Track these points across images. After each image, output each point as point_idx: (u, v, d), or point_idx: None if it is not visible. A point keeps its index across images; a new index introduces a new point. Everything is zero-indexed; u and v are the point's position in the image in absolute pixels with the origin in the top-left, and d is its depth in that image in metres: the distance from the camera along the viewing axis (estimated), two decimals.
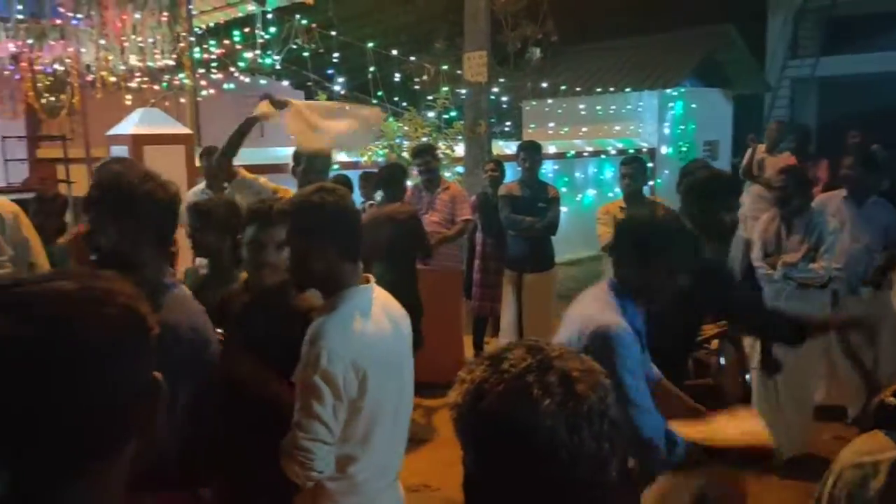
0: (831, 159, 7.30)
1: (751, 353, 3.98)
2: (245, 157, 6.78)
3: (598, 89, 12.78)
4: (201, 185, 5.36)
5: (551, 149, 10.61)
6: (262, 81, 11.33)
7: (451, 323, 5.59)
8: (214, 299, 2.58)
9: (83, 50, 7.44)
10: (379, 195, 6.14)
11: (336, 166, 6.97)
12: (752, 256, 4.42)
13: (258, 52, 8.23)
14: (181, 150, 6.63)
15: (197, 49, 7.51)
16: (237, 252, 2.81)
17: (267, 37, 8.10)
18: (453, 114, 9.27)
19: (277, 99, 3.73)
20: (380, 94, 8.70)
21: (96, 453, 0.88)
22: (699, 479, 2.36)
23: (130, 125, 6.67)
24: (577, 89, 12.83)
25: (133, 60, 7.37)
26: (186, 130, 6.96)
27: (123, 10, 6.54)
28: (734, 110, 14.13)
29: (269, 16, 8.02)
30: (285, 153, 7.76)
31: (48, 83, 8.44)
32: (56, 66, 8.14)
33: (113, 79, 7.75)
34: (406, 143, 8.29)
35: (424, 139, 8.11)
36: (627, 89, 12.68)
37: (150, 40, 6.92)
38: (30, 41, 7.37)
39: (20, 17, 6.92)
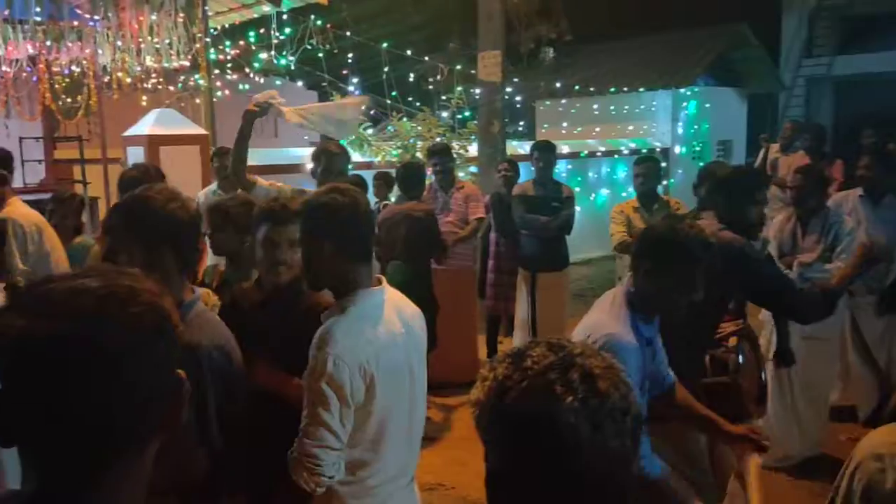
0: (846, 159, 7.26)
1: (766, 349, 3.97)
2: (260, 157, 6.86)
3: (612, 89, 12.74)
4: (213, 185, 5.40)
5: (565, 148, 10.59)
6: (277, 82, 11.38)
7: (465, 322, 5.61)
8: (235, 294, 2.62)
9: (100, 51, 7.50)
10: (394, 196, 6.17)
11: (350, 166, 7.00)
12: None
13: (273, 52, 8.27)
14: (196, 150, 6.67)
15: (212, 50, 7.56)
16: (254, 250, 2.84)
17: (282, 37, 8.12)
18: (467, 114, 9.27)
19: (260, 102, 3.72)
20: (394, 94, 8.71)
21: (121, 450, 0.90)
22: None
23: (146, 126, 6.72)
24: (591, 89, 12.80)
25: (149, 61, 7.42)
26: (202, 131, 7.01)
27: (140, 11, 6.58)
28: (748, 109, 14.05)
29: (284, 16, 8.05)
30: (300, 154, 7.83)
31: (65, 85, 8.52)
32: (73, 67, 8.22)
33: (129, 80, 7.80)
34: (420, 143, 8.30)
35: (438, 139, 8.12)
36: (641, 89, 12.64)
37: (166, 41, 6.96)
38: (48, 43, 7.44)
39: (38, 19, 6.99)
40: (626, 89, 12.69)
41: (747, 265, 2.82)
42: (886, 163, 4.69)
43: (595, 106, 13.00)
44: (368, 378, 1.89)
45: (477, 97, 8.60)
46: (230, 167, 3.90)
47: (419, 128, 8.54)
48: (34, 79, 8.30)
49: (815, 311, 2.98)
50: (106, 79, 7.89)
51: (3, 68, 7.82)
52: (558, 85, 12.73)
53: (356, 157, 7.94)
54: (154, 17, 6.69)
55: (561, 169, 10.24)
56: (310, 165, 4.14)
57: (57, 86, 8.30)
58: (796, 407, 4.23)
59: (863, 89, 14.33)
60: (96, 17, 6.78)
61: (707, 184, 3.72)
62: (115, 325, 0.87)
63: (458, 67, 9.28)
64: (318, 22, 8.15)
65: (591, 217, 9.75)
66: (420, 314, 2.17)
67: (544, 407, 0.93)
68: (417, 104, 9.37)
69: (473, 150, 8.75)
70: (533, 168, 5.72)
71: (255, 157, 6.38)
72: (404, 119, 8.70)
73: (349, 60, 9.08)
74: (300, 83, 10.99)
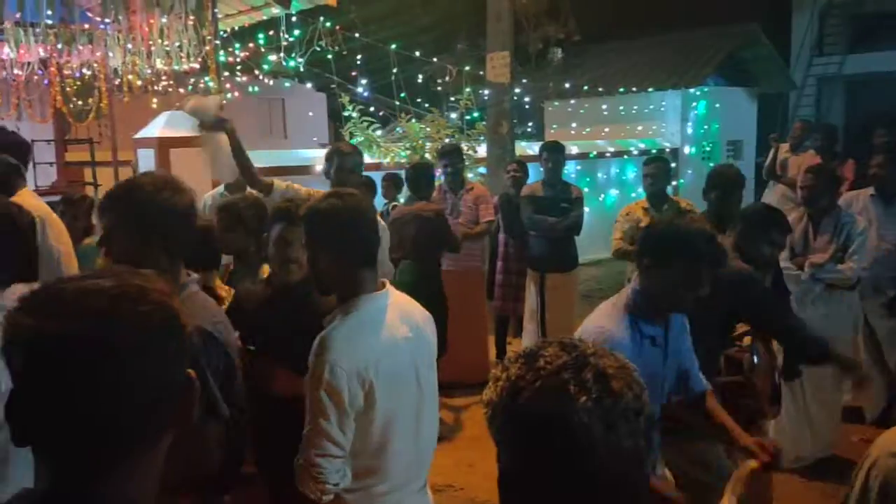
0: (858, 159, 7.21)
1: (778, 353, 3.95)
2: (270, 159, 6.88)
3: (621, 89, 12.71)
4: (220, 188, 5.42)
5: (574, 149, 10.58)
6: (286, 84, 11.43)
7: (474, 323, 5.60)
8: (239, 294, 2.65)
9: (111, 54, 7.55)
10: (403, 197, 6.17)
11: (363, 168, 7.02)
12: (780, 256, 4.39)
13: (282, 54, 8.29)
14: None
15: (222, 52, 7.59)
16: (262, 250, 2.87)
17: (291, 39, 8.15)
18: (476, 115, 9.27)
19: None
20: (402, 95, 8.72)
21: (131, 447, 0.91)
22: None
23: (156, 128, 6.76)
24: (600, 89, 12.77)
25: (159, 64, 7.45)
26: None
27: (150, 14, 6.61)
28: (758, 109, 13.97)
29: (294, 19, 8.07)
30: (310, 155, 7.85)
31: (76, 87, 8.58)
32: (84, 70, 8.28)
33: (139, 82, 7.85)
34: (429, 145, 8.31)
35: (447, 140, 8.13)
36: (650, 89, 12.60)
37: (177, 44, 6.99)
38: (59, 46, 7.49)
39: (49, 22, 7.03)
40: (635, 89, 12.65)
41: (747, 295, 2.84)
42: None
43: (604, 106, 12.96)
44: (367, 384, 1.88)
45: (485, 98, 8.60)
46: (243, 178, 3.87)
47: (428, 129, 8.55)
48: (45, 82, 8.37)
49: (814, 348, 2.97)
50: (117, 81, 7.93)
51: (15, 71, 7.88)
52: (567, 85, 12.71)
53: (365, 158, 7.94)
54: (164, 20, 6.71)
55: (570, 170, 10.21)
56: (319, 167, 4.16)
57: (68, 88, 8.36)
58: (808, 408, 4.20)
59: (874, 88, 14.23)
60: (107, 20, 6.82)
61: (718, 189, 3.74)
62: (125, 324, 0.88)
63: (467, 68, 9.29)
64: (327, 24, 8.18)
65: (601, 218, 9.73)
66: (430, 318, 2.16)
67: (558, 407, 0.93)
68: (426, 105, 9.37)
69: (482, 151, 8.75)
70: (542, 169, 5.71)
71: (264, 158, 6.42)
72: (413, 120, 8.70)
73: (358, 62, 9.10)
74: (309, 85, 11.03)
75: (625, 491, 0.96)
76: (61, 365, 0.85)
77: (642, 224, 4.92)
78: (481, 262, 6.00)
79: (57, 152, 10.02)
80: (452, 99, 9.51)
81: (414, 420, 2.02)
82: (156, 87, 7.98)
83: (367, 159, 7.99)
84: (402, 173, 6.10)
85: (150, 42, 7.03)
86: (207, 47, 6.96)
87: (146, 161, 6.59)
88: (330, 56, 8.31)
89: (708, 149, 12.92)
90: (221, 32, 7.84)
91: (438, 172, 5.91)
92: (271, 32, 8.43)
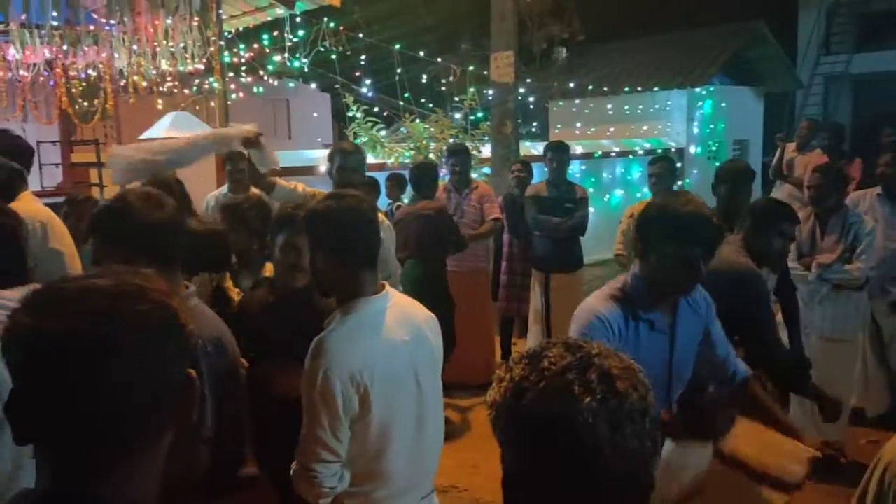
0: (865, 158, 7.18)
1: None
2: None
3: (626, 88, 12.68)
4: (223, 188, 5.43)
5: (578, 149, 10.55)
6: (291, 84, 11.44)
7: (479, 323, 5.59)
8: (243, 300, 2.65)
9: (116, 55, 7.57)
10: (406, 197, 6.17)
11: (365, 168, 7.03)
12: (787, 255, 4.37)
13: (286, 55, 8.30)
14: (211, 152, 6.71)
15: (226, 53, 7.60)
16: (264, 251, 2.88)
17: (295, 40, 8.16)
18: (480, 115, 9.26)
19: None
20: (406, 95, 8.73)
21: (131, 446, 0.91)
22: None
23: (162, 129, 6.78)
24: (605, 89, 12.75)
25: (164, 65, 7.48)
26: None
27: (155, 15, 6.63)
28: (765, 109, 13.93)
29: (298, 19, 8.08)
30: (314, 155, 7.86)
31: (82, 88, 8.61)
32: (89, 71, 8.30)
33: (144, 83, 7.88)
34: (433, 145, 8.31)
35: (451, 140, 8.12)
36: (655, 88, 12.57)
37: (181, 45, 7.01)
38: (64, 47, 7.52)
39: (55, 23, 7.05)
40: (640, 89, 12.62)
41: (745, 293, 2.80)
42: None
43: (609, 106, 12.94)
44: (361, 389, 1.85)
45: (490, 98, 8.59)
46: (250, 177, 3.92)
47: (432, 129, 8.54)
48: (51, 83, 8.40)
49: (783, 370, 2.91)
50: (122, 82, 7.97)
51: (21, 72, 7.91)
52: (571, 85, 12.69)
53: (369, 158, 7.94)
54: (169, 21, 6.73)
55: (575, 169, 10.20)
56: (323, 167, 4.16)
57: (74, 90, 8.40)
58: (815, 410, 4.17)
59: (881, 87, 14.16)
60: (112, 22, 6.84)
61: (726, 186, 3.69)
62: (124, 322, 0.88)
63: (471, 68, 9.27)
64: (331, 24, 8.18)
65: (606, 218, 9.70)
66: (434, 319, 2.13)
67: (562, 408, 0.92)
68: (430, 105, 9.38)
69: (486, 151, 8.74)
70: (546, 169, 5.70)
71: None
72: (417, 120, 8.70)
73: (362, 62, 9.10)
74: (313, 85, 11.03)
75: (630, 492, 0.95)
76: (60, 363, 0.85)
77: None
78: (486, 262, 6.00)
79: (62, 153, 10.06)
80: (456, 99, 9.49)
81: (414, 425, 2.00)
82: (161, 88, 8.01)
83: (371, 159, 8.02)
84: (406, 173, 6.09)
85: (155, 43, 7.05)
86: (212, 48, 6.97)
87: None
88: (334, 56, 8.31)
89: (714, 148, 12.88)
90: (226, 33, 7.84)
91: (443, 172, 5.90)
92: (275, 33, 8.44)
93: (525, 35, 13.34)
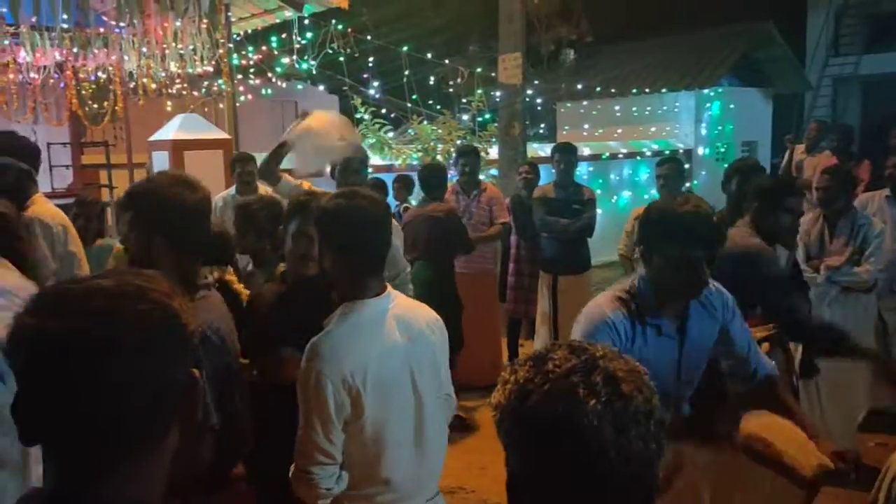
0: (874, 160, 7.14)
1: (795, 352, 3.91)
2: (283, 160, 6.88)
3: (634, 90, 12.65)
4: (231, 190, 5.44)
5: (586, 151, 10.54)
6: (299, 86, 11.47)
7: (487, 325, 5.59)
8: (252, 295, 2.66)
9: (126, 58, 7.61)
10: (414, 199, 6.18)
11: (369, 170, 7.06)
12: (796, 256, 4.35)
13: (295, 57, 8.34)
14: (220, 154, 6.75)
15: (235, 55, 7.64)
16: (278, 249, 2.89)
17: (303, 42, 8.19)
18: (487, 116, 9.27)
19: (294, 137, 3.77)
20: (414, 97, 8.74)
21: (134, 446, 0.91)
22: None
23: (171, 131, 6.81)
24: (612, 90, 12.72)
25: (173, 67, 7.51)
26: (225, 135, 7.08)
27: (165, 17, 6.66)
28: (773, 110, 13.87)
29: (306, 21, 8.11)
30: None
31: (92, 91, 8.65)
32: (99, 73, 8.35)
33: (154, 86, 7.91)
34: (441, 146, 8.32)
35: (459, 142, 8.13)
36: (663, 90, 12.55)
37: (190, 47, 7.04)
38: (74, 50, 7.56)
39: (65, 26, 7.10)
40: (647, 90, 12.59)
41: (754, 271, 2.79)
42: None
43: (617, 107, 12.91)
44: (353, 392, 1.84)
45: (497, 99, 8.60)
46: (261, 166, 3.95)
47: (439, 131, 8.56)
48: (61, 85, 8.45)
49: (820, 338, 2.87)
50: (132, 84, 8.00)
51: (31, 75, 7.96)
52: (579, 86, 12.67)
53: (376, 160, 7.97)
54: (178, 24, 6.76)
55: (582, 171, 10.18)
56: (328, 168, 4.18)
57: (84, 92, 8.44)
58: (824, 412, 4.15)
59: (891, 88, 14.07)
60: (122, 24, 6.87)
61: (736, 179, 3.67)
62: (124, 322, 0.89)
63: (479, 70, 9.30)
64: (339, 26, 8.21)
65: (613, 220, 9.68)
66: (439, 321, 2.11)
67: (567, 410, 0.92)
68: (438, 107, 9.39)
69: (494, 152, 8.75)
70: (554, 170, 5.70)
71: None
72: (425, 122, 8.71)
73: (370, 64, 9.14)
74: (322, 87, 11.07)
75: (635, 494, 0.95)
76: (60, 363, 0.86)
77: None
78: (493, 264, 5.99)
79: (73, 155, 10.11)
80: (464, 100, 9.51)
81: (412, 428, 1.98)
82: (170, 90, 8.05)
83: (378, 161, 8.05)
84: (414, 175, 6.10)
85: (165, 45, 7.09)
86: (221, 50, 7.01)
87: (161, 163, 6.64)
88: (342, 58, 8.35)
89: (722, 150, 12.83)
90: (235, 35, 7.89)
91: (452, 172, 5.90)
92: (284, 35, 8.48)
93: (533, 37, 13.33)
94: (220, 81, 7.54)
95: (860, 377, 4.42)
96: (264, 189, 4.95)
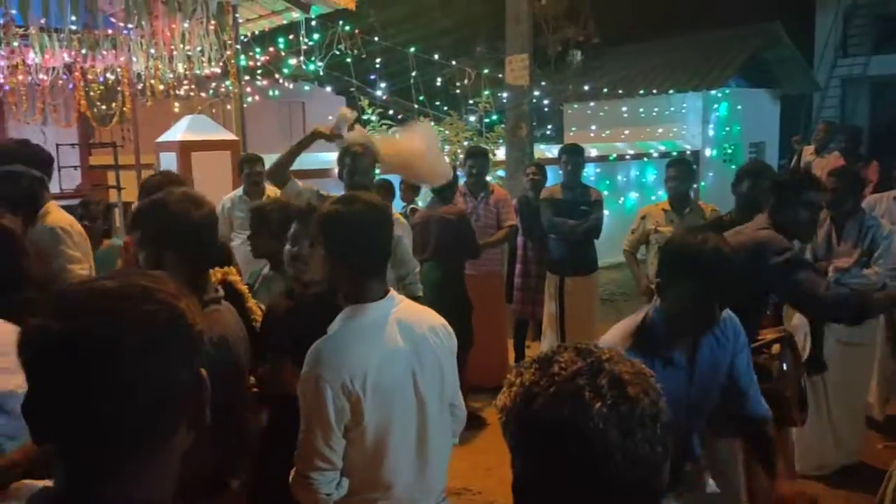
0: (882, 161, 7.11)
1: (803, 351, 3.89)
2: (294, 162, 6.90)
3: (641, 91, 12.62)
4: (238, 191, 5.46)
5: (593, 152, 10.53)
6: (306, 87, 11.49)
7: (494, 326, 5.59)
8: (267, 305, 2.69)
9: (134, 59, 7.64)
10: (421, 200, 6.18)
11: (376, 171, 7.07)
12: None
13: (302, 58, 8.35)
14: (227, 155, 6.76)
15: (243, 56, 7.66)
16: None
17: (310, 43, 8.20)
18: (494, 117, 9.27)
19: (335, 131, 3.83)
20: (421, 98, 8.75)
21: (138, 448, 0.91)
22: None
23: (179, 132, 6.83)
24: (619, 91, 12.70)
25: (181, 69, 7.53)
26: (232, 137, 7.10)
27: (172, 19, 6.68)
28: (781, 111, 13.81)
29: (313, 23, 8.13)
30: (329, 158, 7.88)
31: (100, 92, 8.68)
32: (107, 75, 8.38)
33: (162, 87, 7.93)
34: (448, 148, 8.31)
35: (466, 143, 8.13)
36: (671, 91, 12.51)
37: (198, 49, 7.06)
38: (83, 51, 7.59)
39: (73, 27, 7.13)
40: (655, 91, 12.56)
41: (766, 259, 2.76)
42: None
43: (624, 108, 12.89)
44: (353, 397, 1.83)
45: (504, 101, 8.59)
46: (273, 165, 3.97)
47: (447, 132, 8.55)
48: (70, 86, 8.48)
49: (842, 310, 2.82)
50: (140, 86, 8.02)
51: (40, 76, 7.99)
52: (586, 88, 12.65)
53: None
54: (186, 25, 6.79)
55: (589, 172, 10.18)
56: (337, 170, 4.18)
57: (92, 93, 8.47)
58: (831, 414, 4.14)
59: None
60: (130, 26, 6.90)
61: (749, 178, 3.65)
62: (129, 322, 0.89)
63: (486, 71, 9.29)
64: (346, 27, 8.22)
65: (620, 221, 9.67)
66: (445, 325, 2.09)
67: (572, 413, 0.92)
68: (445, 108, 9.39)
69: (501, 153, 8.74)
70: (561, 171, 5.69)
71: None
72: (432, 123, 8.70)
73: (377, 65, 9.15)
74: (329, 88, 11.08)
75: (641, 497, 0.95)
76: (65, 364, 0.86)
77: (658, 228, 4.89)
78: (501, 265, 5.99)
79: (81, 156, 10.16)
80: (471, 102, 9.52)
81: (414, 433, 1.96)
82: (178, 92, 8.06)
83: None
84: None
85: (173, 47, 7.10)
86: (228, 52, 7.03)
87: (168, 164, 6.66)
88: (349, 59, 8.35)
89: (729, 151, 12.79)
90: (242, 37, 7.91)
91: (459, 173, 5.89)
92: (291, 36, 8.49)
93: (540, 38, 13.30)
94: (227, 83, 7.56)
95: (868, 378, 4.40)
96: (272, 190, 4.97)
